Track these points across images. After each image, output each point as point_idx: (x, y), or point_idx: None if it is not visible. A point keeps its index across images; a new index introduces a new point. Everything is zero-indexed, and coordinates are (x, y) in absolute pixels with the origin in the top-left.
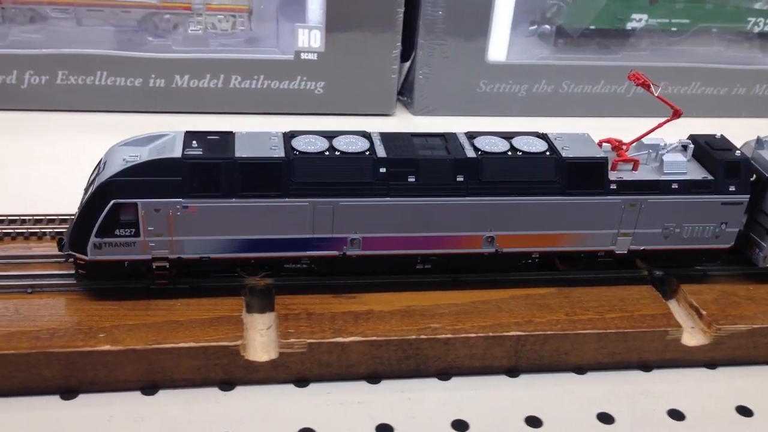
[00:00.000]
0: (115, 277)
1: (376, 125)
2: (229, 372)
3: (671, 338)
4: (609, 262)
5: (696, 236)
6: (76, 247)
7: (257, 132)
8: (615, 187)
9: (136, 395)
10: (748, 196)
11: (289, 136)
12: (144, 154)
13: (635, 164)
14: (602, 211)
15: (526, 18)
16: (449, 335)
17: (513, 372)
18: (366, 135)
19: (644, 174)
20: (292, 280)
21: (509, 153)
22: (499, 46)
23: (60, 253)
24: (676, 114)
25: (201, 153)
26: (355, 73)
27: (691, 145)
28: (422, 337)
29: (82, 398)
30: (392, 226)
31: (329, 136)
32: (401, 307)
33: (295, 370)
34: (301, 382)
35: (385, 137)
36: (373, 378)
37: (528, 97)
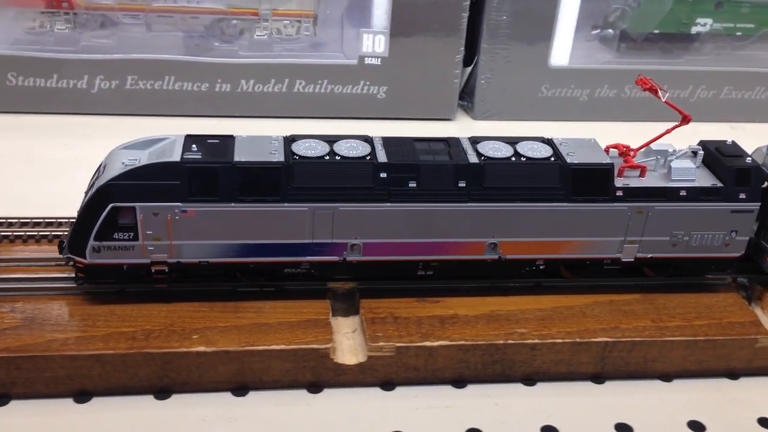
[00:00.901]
0: (114, 280)
1: (437, 130)
2: (317, 374)
3: (760, 346)
4: (616, 269)
5: (705, 244)
6: (75, 250)
7: (258, 136)
8: (621, 193)
9: (227, 396)
10: (759, 203)
11: (289, 140)
12: (143, 158)
13: (642, 171)
14: (608, 218)
15: (588, 22)
16: (536, 340)
17: (598, 378)
18: (368, 139)
19: (652, 181)
20: (376, 284)
21: (513, 159)
22: (561, 51)
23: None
24: (685, 120)
25: (200, 157)
26: (417, 78)
27: (701, 152)
28: (509, 342)
29: (176, 398)
30: (393, 231)
31: (330, 140)
32: (486, 312)
33: (382, 374)
34: (387, 385)
35: (388, 142)
36: (459, 382)
37: (590, 101)
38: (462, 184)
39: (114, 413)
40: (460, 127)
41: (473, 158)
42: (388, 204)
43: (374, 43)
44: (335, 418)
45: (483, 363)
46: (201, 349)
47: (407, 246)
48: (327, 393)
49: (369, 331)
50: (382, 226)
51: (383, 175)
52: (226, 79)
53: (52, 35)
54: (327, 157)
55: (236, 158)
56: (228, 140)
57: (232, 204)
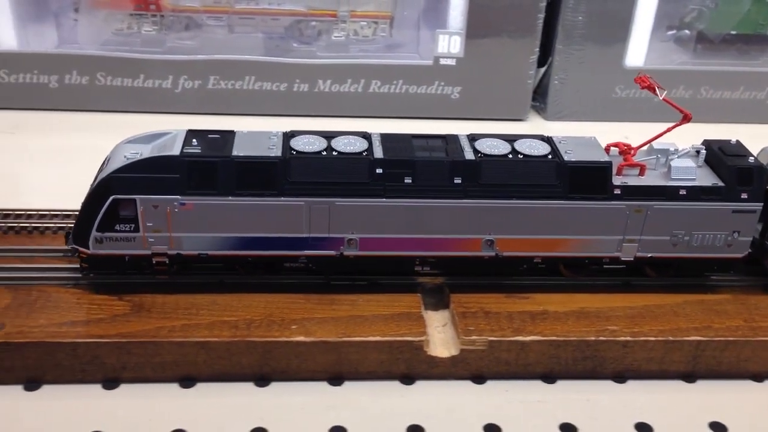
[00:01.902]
0: (117, 271)
1: (508, 130)
2: (410, 366)
3: None
4: (617, 269)
5: (707, 244)
6: (78, 241)
7: (258, 131)
8: (619, 192)
9: (324, 385)
10: (762, 204)
11: (289, 136)
12: (146, 152)
13: (642, 169)
14: (606, 216)
15: (664, 23)
16: (628, 338)
17: (689, 377)
18: (366, 135)
19: (651, 179)
20: (466, 279)
21: (509, 156)
22: (637, 52)
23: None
24: (686, 119)
25: (199, 151)
26: (491, 78)
27: (704, 151)
28: (601, 338)
29: (275, 386)
30: (389, 227)
31: (329, 136)
32: (576, 309)
33: (473, 367)
34: (478, 378)
35: (386, 138)
36: (549, 378)
37: (665, 102)
38: (458, 181)
39: (217, 399)
40: (533, 128)
41: (470, 155)
42: (384, 199)
43: (449, 44)
44: (430, 410)
45: (574, 359)
46: (301, 338)
47: (404, 242)
48: (420, 384)
49: (461, 324)
50: (378, 222)
51: (379, 170)
52: (304, 79)
53: (139, 36)
54: (324, 153)
55: (234, 152)
56: (228, 135)
57: (230, 198)
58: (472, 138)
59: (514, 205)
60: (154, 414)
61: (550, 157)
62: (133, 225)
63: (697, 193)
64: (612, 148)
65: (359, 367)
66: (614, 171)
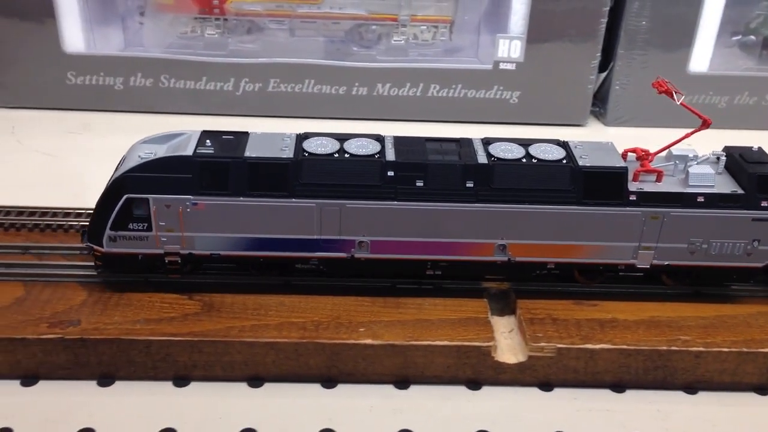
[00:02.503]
0: (130, 269)
1: (566, 135)
2: (477, 372)
3: None
4: (632, 277)
5: (725, 253)
6: (93, 239)
7: (271, 133)
8: (635, 198)
9: (390, 388)
10: None
11: (302, 138)
12: (160, 152)
13: (659, 175)
14: (621, 222)
15: (728, 29)
16: (700, 348)
17: (762, 389)
18: (379, 138)
19: (668, 186)
20: (532, 285)
21: (523, 160)
22: (701, 57)
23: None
24: (705, 124)
25: (212, 152)
26: (551, 83)
27: (724, 157)
28: (673, 348)
29: (341, 387)
30: (401, 230)
31: (342, 138)
32: (646, 318)
33: (541, 374)
34: (545, 386)
35: (399, 141)
36: (618, 387)
37: (728, 108)
38: (470, 185)
39: (285, 399)
40: (592, 133)
41: (482, 159)
42: (395, 202)
43: (510, 49)
44: (496, 416)
45: (644, 368)
46: (368, 341)
47: (415, 245)
48: (486, 390)
49: (529, 331)
50: (389, 224)
51: (390, 173)
52: (363, 83)
53: (202, 40)
54: (336, 155)
55: (247, 153)
56: (242, 136)
57: (242, 198)
58: (487, 142)
59: (526, 209)
60: (224, 412)
61: (564, 161)
62: (146, 224)
63: (715, 200)
64: (629, 154)
65: (425, 370)
66: (630, 177)
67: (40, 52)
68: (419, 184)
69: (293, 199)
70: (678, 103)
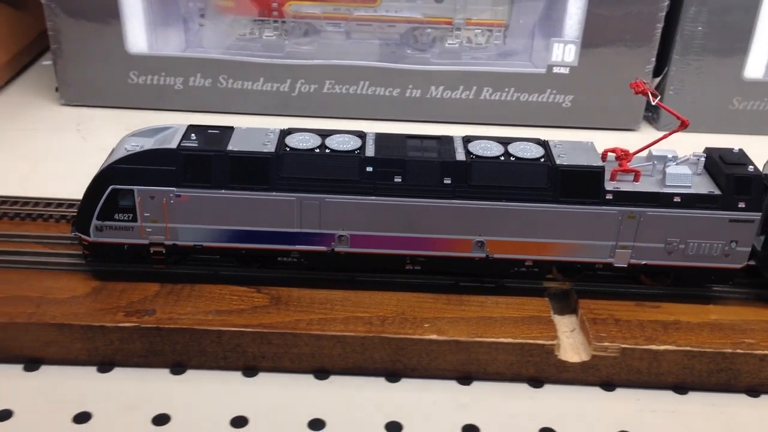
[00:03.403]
0: (117, 259)
1: (619, 140)
2: (540, 370)
3: None
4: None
5: (703, 254)
6: (81, 229)
7: (256, 128)
8: (611, 197)
9: (453, 383)
10: (760, 213)
11: (285, 133)
12: (148, 144)
13: (636, 175)
14: (598, 221)
15: None
16: (765, 351)
17: None
18: (361, 135)
19: (645, 185)
20: (594, 286)
21: (501, 158)
22: (757, 63)
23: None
24: (683, 125)
25: (196, 145)
26: (604, 88)
27: (703, 158)
28: (738, 351)
29: (405, 382)
30: (379, 225)
31: (324, 134)
32: (709, 320)
33: (604, 374)
34: (608, 386)
35: (380, 138)
36: (680, 388)
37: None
38: (447, 181)
39: (351, 391)
40: (644, 139)
41: (461, 156)
42: (374, 197)
43: (564, 53)
44: (560, 414)
45: (708, 371)
46: (433, 337)
47: (394, 240)
48: (548, 388)
49: (592, 331)
50: (368, 219)
51: (369, 169)
52: (416, 85)
53: (260, 41)
54: (317, 150)
55: (230, 147)
56: (227, 131)
57: (224, 191)
58: (467, 140)
59: (503, 207)
60: (293, 402)
61: (542, 160)
62: (131, 215)
63: (692, 201)
64: (609, 154)
65: (488, 367)
66: (608, 176)
67: (104, 53)
68: (397, 180)
69: (274, 193)
70: (654, 103)
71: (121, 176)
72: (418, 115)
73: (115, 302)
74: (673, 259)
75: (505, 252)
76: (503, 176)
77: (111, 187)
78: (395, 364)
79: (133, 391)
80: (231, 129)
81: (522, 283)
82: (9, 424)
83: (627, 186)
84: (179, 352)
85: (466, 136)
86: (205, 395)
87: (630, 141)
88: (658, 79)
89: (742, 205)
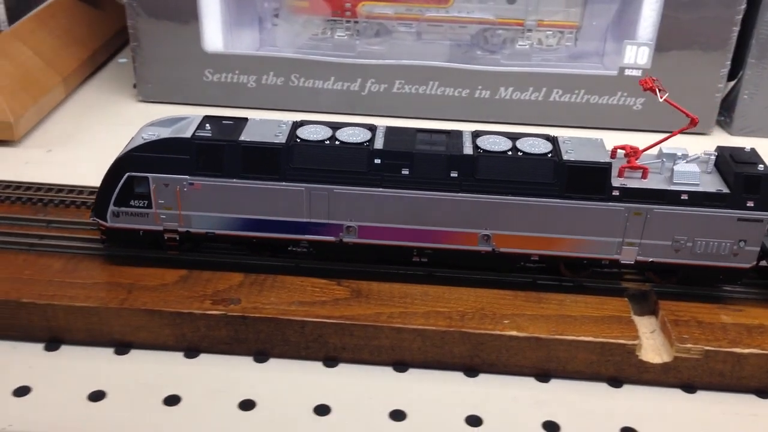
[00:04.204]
0: (132, 244)
1: (690, 143)
2: (620, 369)
3: None
4: (620, 272)
5: (711, 252)
6: (99, 214)
7: (269, 119)
8: (618, 193)
9: (531, 381)
10: None
11: (297, 125)
12: (164, 134)
13: (644, 172)
14: (604, 217)
15: None
16: None
17: None
18: (371, 128)
19: (652, 183)
20: (673, 288)
21: (508, 153)
22: None
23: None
24: (693, 123)
25: (210, 135)
26: (677, 91)
27: (713, 157)
28: None
29: (483, 377)
30: (387, 216)
31: (336, 127)
32: None
33: (685, 376)
34: (689, 388)
35: (390, 131)
36: (763, 392)
37: None
38: (454, 175)
39: (430, 384)
40: (716, 142)
41: (468, 150)
42: (381, 189)
43: (637, 55)
44: (642, 414)
45: None
46: (513, 333)
47: (401, 232)
48: (628, 388)
49: (674, 332)
50: (376, 211)
51: (377, 161)
52: (486, 86)
53: (332, 41)
54: (327, 142)
55: (242, 138)
56: (241, 122)
57: (235, 180)
58: (476, 134)
59: (509, 201)
60: (373, 393)
61: (549, 155)
62: (146, 201)
63: (700, 199)
64: (619, 151)
65: (567, 365)
66: (616, 173)
67: (182, 51)
68: (405, 172)
69: (283, 183)
70: (662, 100)
71: (137, 164)
72: (487, 116)
73: (201, 290)
74: (680, 257)
75: (511, 246)
76: (510, 171)
77: (127, 175)
78: (473, 359)
79: (219, 377)
80: (245, 120)
81: (600, 282)
82: (103, 404)
83: (634, 183)
84: (263, 341)
85: (475, 131)
86: (288, 383)
87: (702, 145)
88: (732, 83)
89: (750, 204)
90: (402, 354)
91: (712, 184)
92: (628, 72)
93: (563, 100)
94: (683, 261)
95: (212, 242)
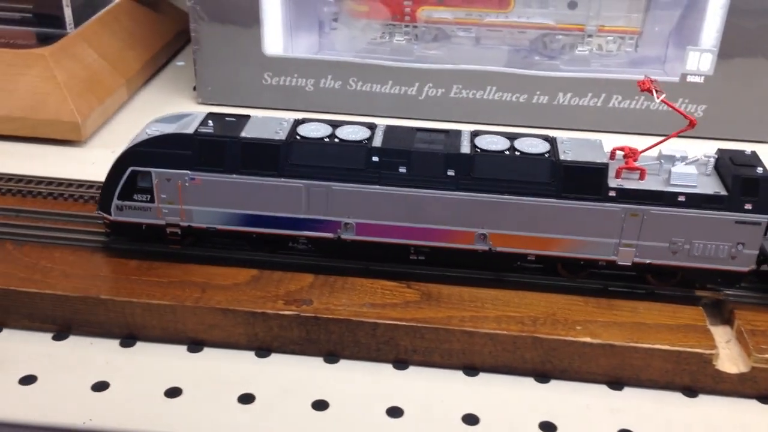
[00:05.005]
0: (136, 238)
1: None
2: (695, 379)
3: None
4: (617, 274)
5: (709, 255)
6: (104, 208)
7: (271, 117)
8: (614, 194)
9: (603, 388)
10: (767, 216)
11: (298, 123)
12: (168, 130)
13: (642, 173)
14: (600, 218)
15: None
16: None
17: None
18: (371, 126)
19: (649, 184)
20: (748, 298)
21: (506, 152)
22: None
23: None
24: (691, 125)
25: (211, 131)
26: (740, 99)
27: (712, 159)
28: None
29: (555, 383)
30: (385, 214)
31: (336, 125)
32: None
33: (762, 387)
34: (765, 399)
35: (390, 129)
36: None
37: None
38: (451, 173)
39: (501, 389)
40: None
41: (466, 149)
42: (378, 186)
43: (699, 62)
44: (717, 425)
45: None
46: (587, 339)
47: (398, 229)
48: (703, 398)
49: (752, 342)
50: (373, 208)
51: (375, 158)
52: (544, 92)
53: (390, 45)
54: (326, 139)
55: (243, 134)
56: (243, 119)
57: (235, 175)
58: (475, 134)
59: (506, 200)
60: (444, 396)
61: (546, 155)
62: (149, 196)
63: (697, 201)
64: (618, 152)
65: (641, 373)
66: (613, 174)
67: (242, 55)
68: (402, 170)
69: (282, 179)
70: (659, 101)
71: (140, 159)
72: (544, 121)
73: (273, 291)
74: (678, 259)
75: (508, 245)
76: (506, 170)
77: (131, 169)
78: (545, 365)
79: (291, 377)
80: (247, 117)
81: (674, 291)
82: (180, 401)
83: (631, 184)
84: (334, 342)
85: (474, 130)
86: (359, 384)
87: (764, 153)
88: None
89: (748, 206)
90: (473, 358)
91: (711, 186)
92: (690, 78)
93: (622, 107)
94: (681, 263)
95: (214, 237)
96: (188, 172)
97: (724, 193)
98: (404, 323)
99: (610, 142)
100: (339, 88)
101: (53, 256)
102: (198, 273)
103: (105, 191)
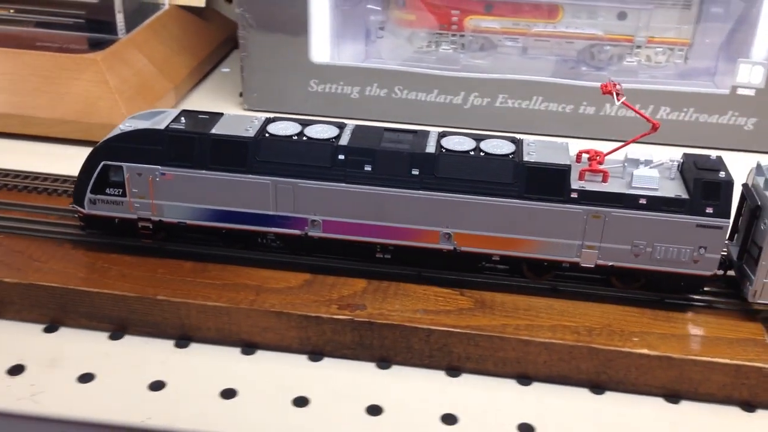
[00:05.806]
0: (109, 231)
1: None
2: (753, 394)
3: None
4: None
5: (671, 258)
6: (77, 201)
7: (243, 115)
8: (576, 196)
9: (660, 401)
10: (729, 220)
11: (269, 121)
12: (141, 126)
13: (605, 176)
14: (563, 219)
15: None
16: None
17: None
18: (340, 125)
19: (611, 186)
20: None
21: (470, 152)
22: None
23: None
24: (654, 128)
25: (182, 127)
26: None
27: (677, 163)
28: None
29: (609, 395)
30: (350, 212)
31: (305, 123)
32: None
33: None
34: None
35: (358, 129)
36: None
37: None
38: (415, 172)
39: (557, 400)
40: None
41: (431, 149)
42: (344, 184)
43: (751, 74)
44: None
45: None
46: (644, 351)
47: (364, 227)
48: (761, 413)
49: None
50: (339, 206)
51: (341, 157)
52: (591, 102)
53: (436, 54)
54: (294, 137)
55: (213, 131)
56: (216, 116)
57: (205, 171)
58: (442, 135)
59: (469, 200)
60: (499, 405)
61: (510, 156)
62: (121, 190)
63: (658, 204)
64: (583, 155)
65: (699, 387)
66: (576, 176)
67: (289, 62)
68: (367, 168)
69: (250, 175)
70: (618, 103)
71: (112, 153)
72: (590, 132)
73: (327, 295)
74: (640, 262)
75: (472, 245)
76: (470, 170)
77: (103, 163)
78: (600, 375)
79: (344, 381)
80: (220, 115)
81: (731, 303)
82: (236, 402)
83: (593, 186)
84: (387, 347)
85: (442, 131)
86: (412, 391)
87: None
88: None
89: (709, 210)
90: (527, 367)
91: (673, 189)
92: (740, 91)
93: (671, 118)
94: (643, 266)
95: (185, 233)
96: (159, 167)
97: (685, 196)
98: (459, 330)
99: (657, 155)
100: (384, 96)
101: (110, 257)
102: (252, 276)
103: (79, 185)
